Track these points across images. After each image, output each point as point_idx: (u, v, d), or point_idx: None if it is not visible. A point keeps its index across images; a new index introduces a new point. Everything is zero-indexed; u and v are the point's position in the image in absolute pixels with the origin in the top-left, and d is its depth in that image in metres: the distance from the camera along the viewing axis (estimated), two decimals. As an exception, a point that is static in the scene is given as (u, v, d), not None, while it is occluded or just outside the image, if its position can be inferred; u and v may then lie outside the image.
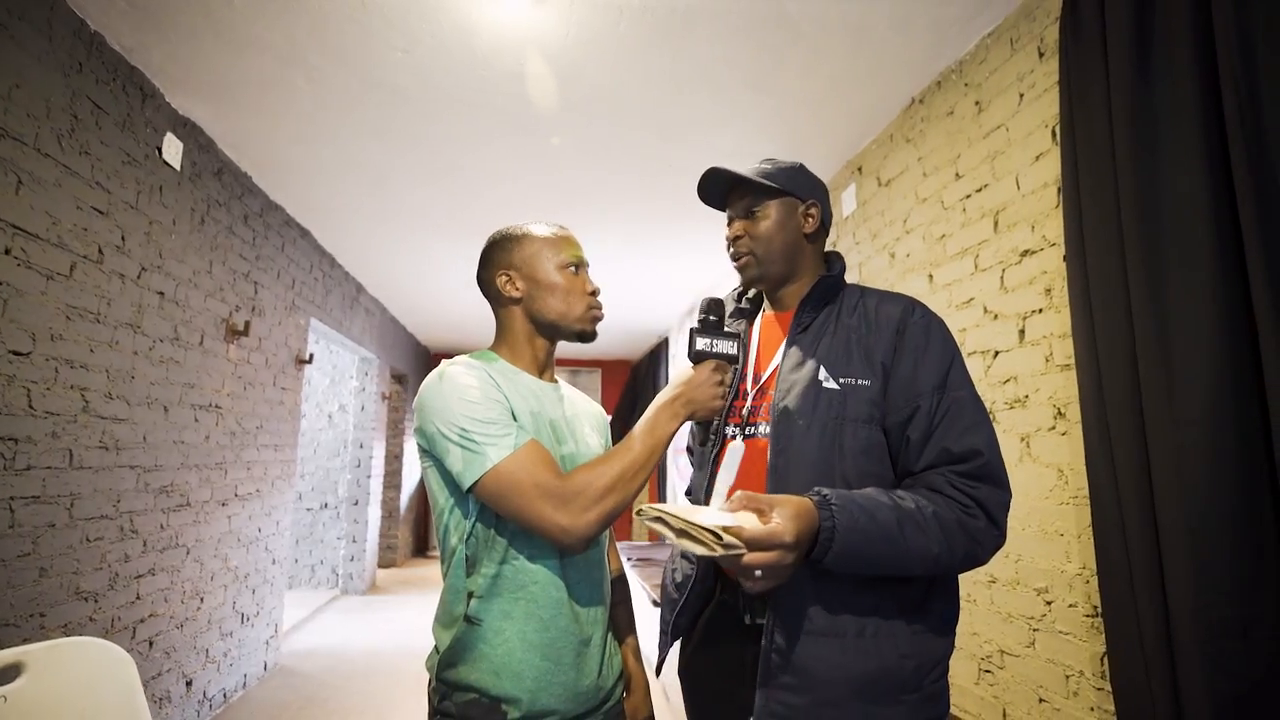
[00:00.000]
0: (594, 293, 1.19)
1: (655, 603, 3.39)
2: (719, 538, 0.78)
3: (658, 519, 0.87)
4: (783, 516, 0.83)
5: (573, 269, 1.17)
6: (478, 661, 1.02)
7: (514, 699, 1.00)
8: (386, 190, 3.44)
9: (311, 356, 4.22)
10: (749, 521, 0.82)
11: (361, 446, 6.23)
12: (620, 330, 7.06)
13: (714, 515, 0.83)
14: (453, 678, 1.03)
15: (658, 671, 1.24)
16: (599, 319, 1.21)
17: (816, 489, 0.91)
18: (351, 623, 5.06)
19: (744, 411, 1.11)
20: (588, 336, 1.20)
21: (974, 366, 2.05)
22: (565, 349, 8.11)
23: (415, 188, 3.40)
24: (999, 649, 1.97)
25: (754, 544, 0.80)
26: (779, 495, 0.88)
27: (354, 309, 5.21)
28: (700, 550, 0.80)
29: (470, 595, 1.03)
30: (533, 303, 1.16)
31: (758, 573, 0.81)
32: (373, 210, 3.74)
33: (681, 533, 0.83)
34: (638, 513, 0.87)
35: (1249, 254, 1.23)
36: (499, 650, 1.01)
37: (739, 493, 0.86)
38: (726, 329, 1.12)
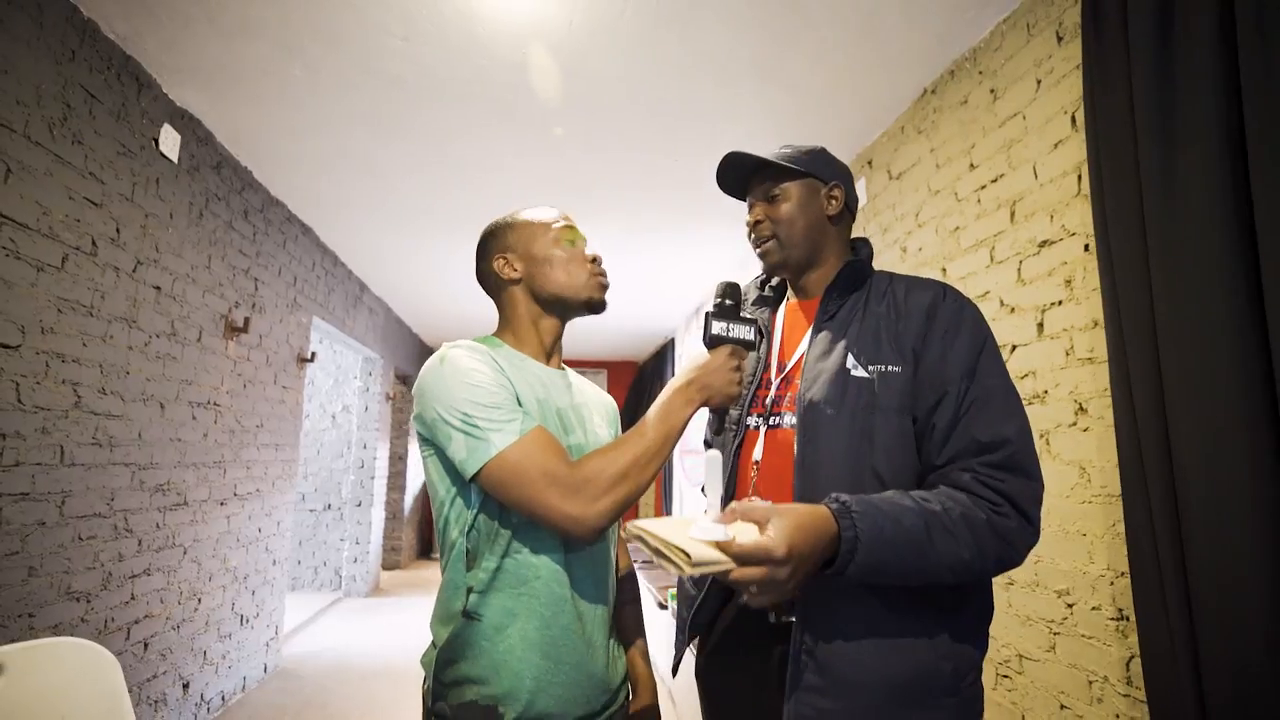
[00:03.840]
0: (595, 259, 1.13)
1: (661, 605, 3.32)
2: (688, 556, 0.73)
3: (636, 537, 0.82)
4: (778, 529, 0.76)
5: (568, 240, 1.12)
6: (476, 659, 0.96)
7: (512, 699, 0.95)
8: (387, 185, 3.40)
9: (314, 355, 4.18)
10: (745, 534, 0.76)
11: (365, 447, 6.19)
12: (626, 330, 7.01)
13: (707, 528, 0.77)
14: (449, 676, 0.98)
15: (674, 672, 1.18)
16: (606, 286, 1.14)
17: (834, 495, 0.84)
18: (354, 625, 5.01)
19: (767, 401, 1.06)
20: (597, 305, 1.14)
21: (990, 361, 1.98)
22: (569, 349, 8.07)
23: (415, 182, 3.35)
24: (1017, 653, 1.90)
25: (742, 559, 0.74)
26: (784, 505, 0.81)
27: (357, 308, 5.17)
28: (673, 570, 0.76)
29: (469, 590, 0.98)
30: (533, 280, 1.10)
31: (752, 588, 0.75)
32: (373, 206, 3.70)
33: (657, 552, 0.78)
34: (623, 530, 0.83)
35: (1261, 242, 1.17)
36: (498, 648, 0.96)
37: (737, 503, 0.81)
38: (744, 314, 1.06)
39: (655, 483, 8.05)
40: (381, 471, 6.35)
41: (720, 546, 0.74)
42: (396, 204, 3.66)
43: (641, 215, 3.80)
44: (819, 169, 1.08)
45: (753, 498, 1.02)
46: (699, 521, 0.79)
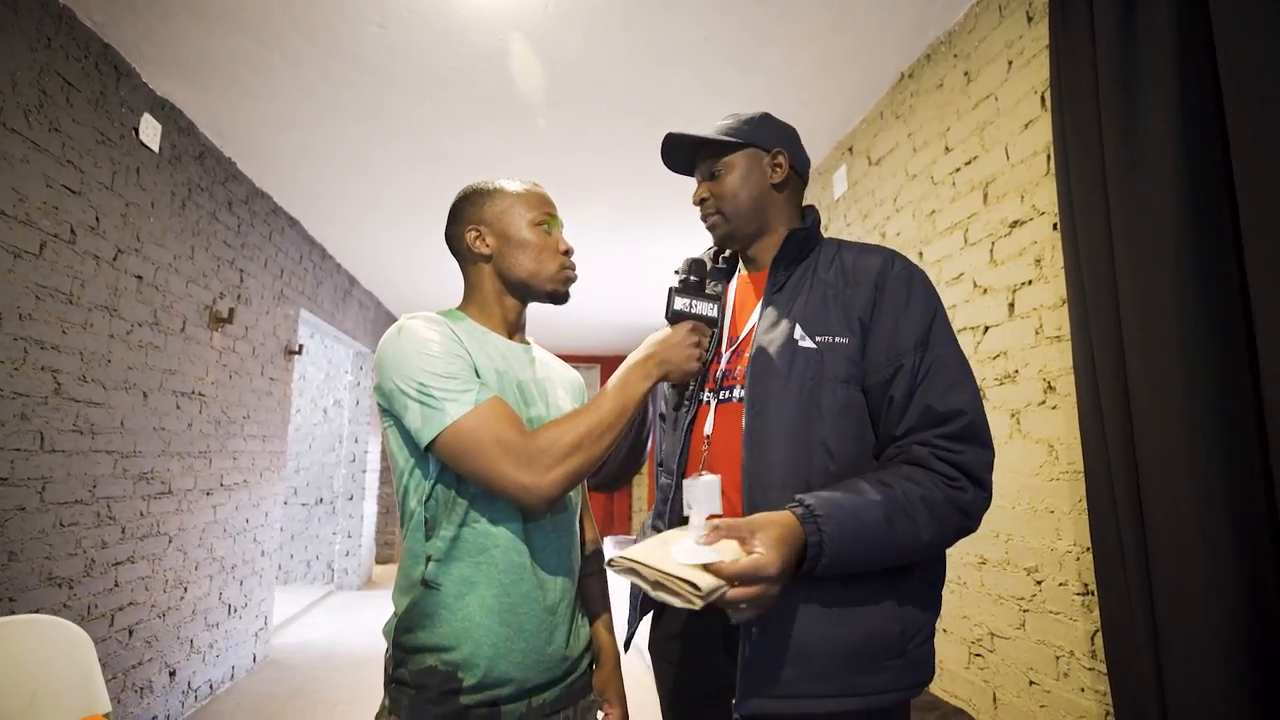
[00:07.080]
0: (567, 252, 1.14)
1: (646, 592, 3.33)
2: (697, 588, 0.73)
3: (629, 570, 0.80)
4: (765, 544, 0.78)
5: (545, 227, 1.12)
6: (435, 627, 0.97)
7: (471, 665, 0.96)
8: (372, 177, 3.40)
9: (301, 348, 4.18)
10: (729, 553, 0.77)
11: (357, 441, 6.20)
12: (618, 324, 7.01)
13: (691, 550, 0.77)
14: (409, 643, 0.99)
15: (625, 647, 1.19)
16: (572, 280, 1.16)
17: (798, 498, 0.86)
18: (345, 617, 5.02)
19: (718, 375, 1.07)
20: (559, 297, 1.15)
21: (963, 343, 2.00)
22: (562, 345, 8.08)
23: (400, 174, 3.36)
24: (989, 631, 1.92)
25: (740, 579, 0.75)
26: (759, 517, 0.83)
27: (347, 301, 5.17)
28: (678, 603, 0.75)
29: (428, 559, 0.99)
30: (503, 260, 1.11)
31: (742, 605, 0.76)
32: (362, 199, 3.70)
33: (658, 585, 0.77)
34: (609, 564, 0.83)
35: (1243, 215, 1.18)
36: (457, 615, 0.97)
37: (715, 521, 0.81)
38: (708, 291, 1.07)
39: (649, 477, 8.05)
40: (374, 465, 6.35)
41: (712, 569, 0.75)
42: (385, 198, 3.66)
43: (629, 207, 3.80)
44: (760, 137, 1.08)
45: (703, 472, 1.03)
46: (680, 543, 0.79)
